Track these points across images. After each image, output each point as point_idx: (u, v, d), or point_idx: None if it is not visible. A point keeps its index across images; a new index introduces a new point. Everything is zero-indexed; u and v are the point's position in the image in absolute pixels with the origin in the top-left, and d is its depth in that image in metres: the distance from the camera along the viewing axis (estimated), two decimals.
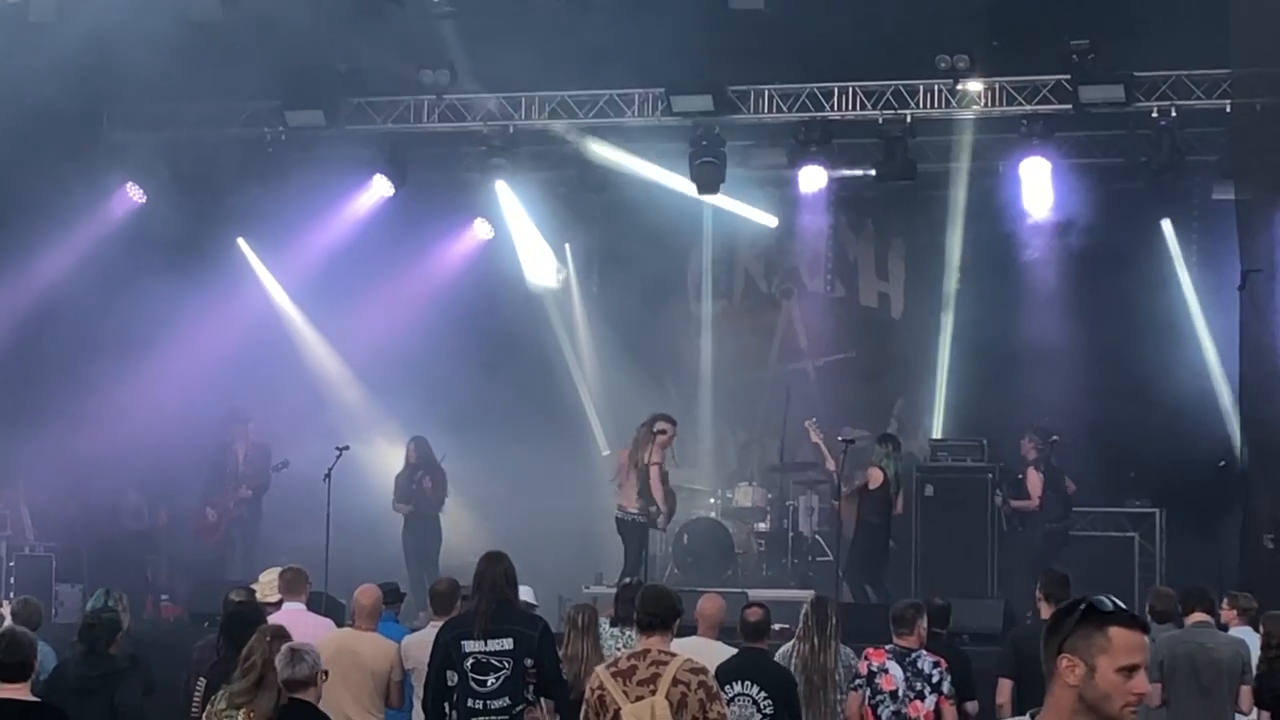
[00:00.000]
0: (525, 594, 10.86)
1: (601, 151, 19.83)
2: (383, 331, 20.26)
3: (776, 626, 11.13)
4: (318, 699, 8.01)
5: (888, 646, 10.45)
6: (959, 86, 18.39)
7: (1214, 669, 11.01)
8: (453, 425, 18.97)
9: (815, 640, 10.76)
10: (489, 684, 9.20)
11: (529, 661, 9.22)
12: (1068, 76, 17.93)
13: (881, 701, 10.33)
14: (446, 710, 9.30)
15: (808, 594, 12.16)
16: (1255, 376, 16.45)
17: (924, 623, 10.52)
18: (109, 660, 10.05)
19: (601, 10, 17.54)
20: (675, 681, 7.82)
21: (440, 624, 10.15)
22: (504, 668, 9.19)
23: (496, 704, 9.20)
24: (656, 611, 8.15)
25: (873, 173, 19.31)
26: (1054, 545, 17.56)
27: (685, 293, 22.28)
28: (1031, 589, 11.65)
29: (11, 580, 17.44)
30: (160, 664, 11.57)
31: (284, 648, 8.02)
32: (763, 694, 9.97)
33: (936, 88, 18.53)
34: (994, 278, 20.07)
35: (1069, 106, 18.17)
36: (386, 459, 19.34)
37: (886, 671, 10.35)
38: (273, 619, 9.73)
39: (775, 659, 10.67)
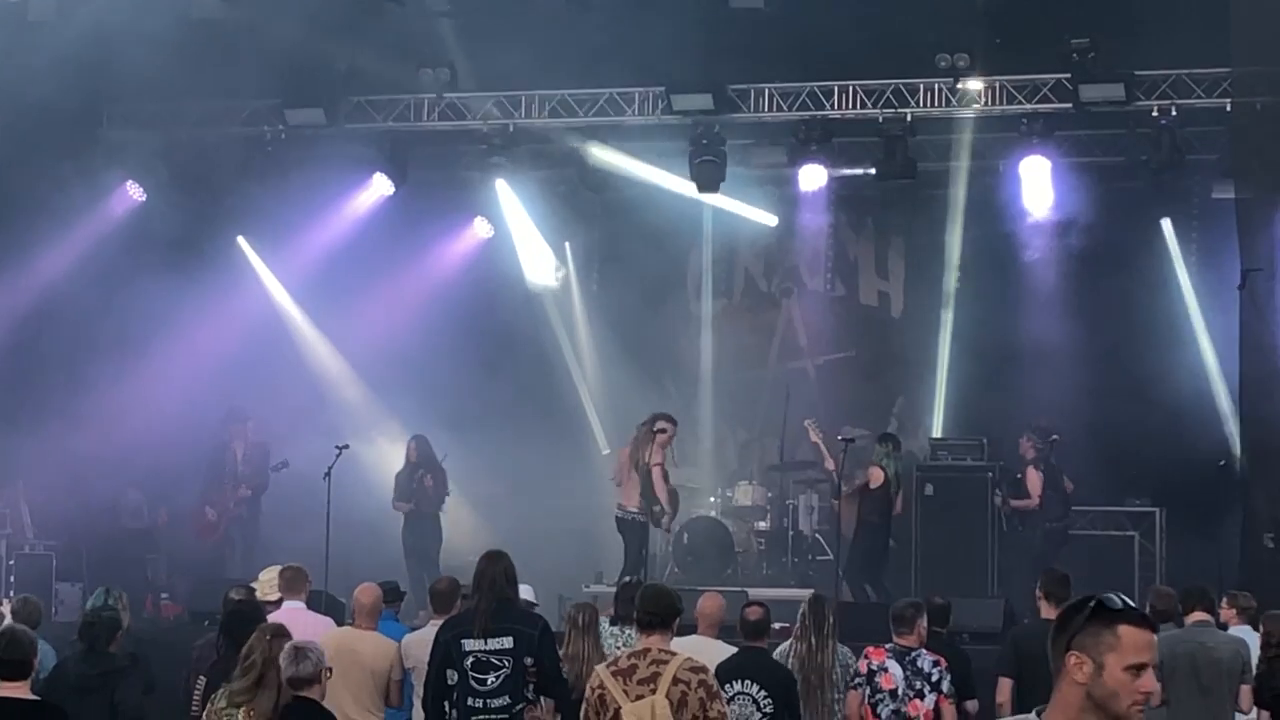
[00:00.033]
0: (525, 592, 10.86)
1: (602, 156, 19.81)
2: (382, 330, 20.26)
3: (776, 625, 11.13)
4: (322, 696, 8.01)
5: (888, 645, 10.45)
6: (959, 85, 18.38)
7: (1214, 668, 11.01)
8: (453, 424, 18.97)
9: (812, 639, 10.76)
10: (489, 683, 9.20)
11: (529, 660, 9.22)
12: (1068, 75, 17.93)
13: (881, 700, 10.33)
14: (446, 709, 9.30)
15: (807, 593, 12.14)
16: (1255, 376, 16.45)
17: (924, 622, 10.52)
18: (109, 659, 10.04)
19: (601, 9, 17.55)
20: (675, 680, 7.83)
21: (440, 622, 10.14)
22: (504, 666, 9.19)
23: (496, 703, 9.19)
24: (656, 610, 8.16)
25: (873, 171, 19.31)
26: (1054, 544, 17.56)
27: (685, 291, 22.28)
28: (1031, 588, 11.64)
29: (11, 579, 17.43)
30: (160, 662, 11.56)
31: (288, 645, 8.03)
32: (762, 693, 9.97)
33: (937, 86, 18.53)
34: (994, 276, 20.07)
35: (1069, 105, 18.17)
36: (386, 457, 19.34)
37: (886, 670, 10.35)
38: (272, 617, 9.72)
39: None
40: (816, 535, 19.26)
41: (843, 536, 17.44)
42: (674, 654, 8.01)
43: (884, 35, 17.80)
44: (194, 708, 9.50)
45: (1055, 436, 18.12)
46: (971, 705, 11.08)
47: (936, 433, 20.11)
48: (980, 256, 20.35)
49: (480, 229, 21.43)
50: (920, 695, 10.29)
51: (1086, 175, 19.11)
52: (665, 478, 16.67)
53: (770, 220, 21.34)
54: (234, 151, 19.75)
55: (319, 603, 12.60)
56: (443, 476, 18.53)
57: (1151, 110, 18.05)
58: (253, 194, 19.77)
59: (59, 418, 18.08)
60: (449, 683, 9.28)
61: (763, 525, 19.50)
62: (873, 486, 17.26)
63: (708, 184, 19.39)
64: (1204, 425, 18.81)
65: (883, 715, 10.31)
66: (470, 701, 9.20)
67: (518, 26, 18.16)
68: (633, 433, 17.01)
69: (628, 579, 14.23)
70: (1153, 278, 19.74)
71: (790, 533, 19.26)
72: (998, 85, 18.42)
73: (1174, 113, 17.97)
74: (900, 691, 10.30)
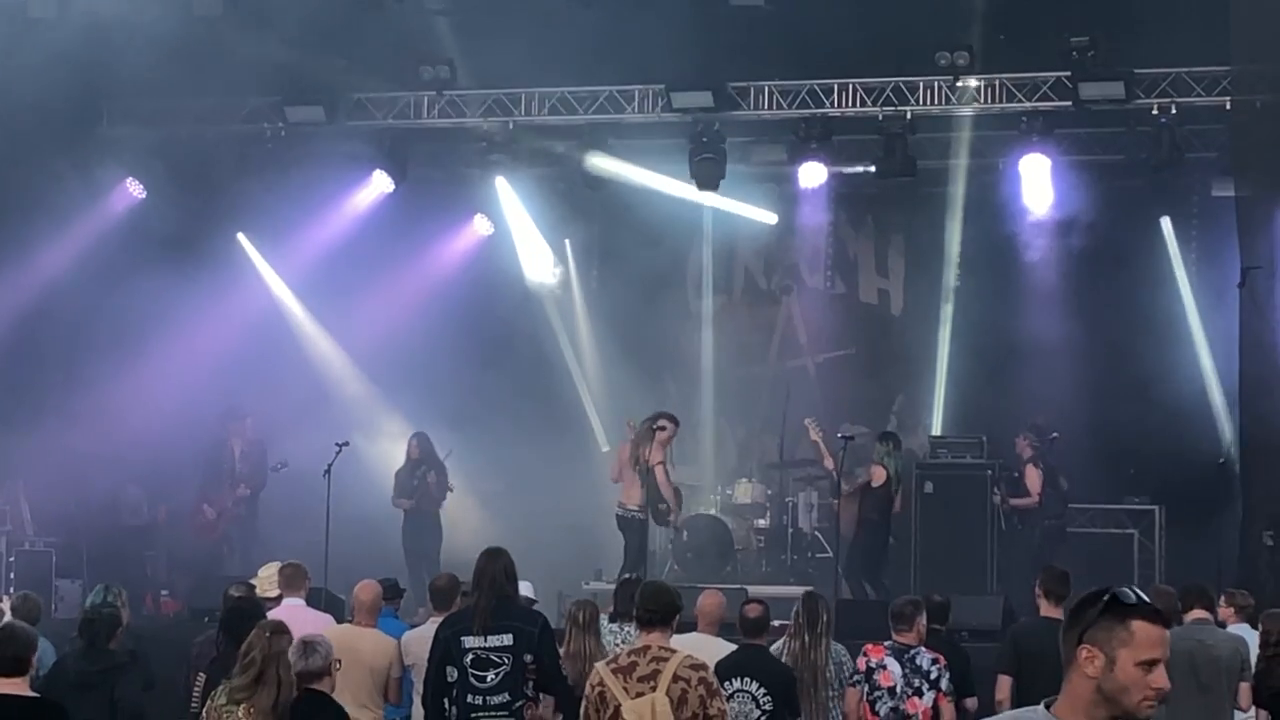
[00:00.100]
0: (525, 589, 10.87)
1: (601, 154, 19.80)
2: (382, 328, 20.26)
3: (776, 623, 11.13)
4: (332, 689, 8.03)
5: (886, 643, 10.46)
6: (959, 83, 18.38)
7: (1213, 666, 11.01)
8: (453, 421, 18.99)
9: (806, 637, 10.76)
10: (489, 680, 9.20)
11: (529, 657, 9.22)
12: (1068, 73, 17.93)
13: (879, 698, 10.34)
14: (446, 706, 9.31)
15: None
16: (1255, 374, 16.44)
17: (923, 619, 10.52)
18: (109, 655, 10.04)
19: (601, 6, 17.55)
20: (675, 678, 7.84)
21: (440, 620, 10.15)
22: (504, 663, 9.19)
23: (496, 700, 9.20)
24: (656, 608, 8.17)
25: (873, 169, 19.33)
26: (1052, 542, 17.58)
27: (685, 289, 22.28)
28: (1031, 586, 11.65)
29: (11, 575, 17.44)
30: (160, 659, 11.58)
31: (297, 640, 8.06)
32: (762, 690, 9.98)
33: (936, 84, 18.53)
34: (994, 274, 20.08)
35: (1069, 103, 18.17)
36: (387, 455, 19.35)
37: (885, 668, 10.36)
38: (272, 614, 9.72)
39: None
40: (816, 533, 19.27)
41: (842, 535, 17.45)
42: (674, 651, 8.02)
43: (884, 33, 17.81)
44: (194, 704, 9.50)
45: (1055, 435, 18.14)
46: (971, 703, 11.08)
47: (936, 431, 20.12)
48: (980, 254, 20.36)
49: (480, 226, 21.43)
50: (919, 693, 10.30)
51: (1086, 173, 19.11)
52: (668, 476, 16.67)
53: (770, 218, 21.35)
54: (234, 149, 19.78)
55: (318, 600, 12.61)
56: (444, 474, 18.54)
57: (1151, 108, 18.05)
58: (252, 191, 19.78)
59: (59, 414, 18.09)
60: (449, 680, 9.28)
61: (762, 523, 19.51)
62: (875, 485, 17.27)
63: (708, 182, 19.39)
64: (1203, 424, 18.84)
65: (881, 713, 10.32)
66: (470, 699, 9.21)
67: (518, 24, 18.16)
68: (631, 429, 17.00)
69: (627, 576, 14.23)
70: (1152, 276, 19.75)
71: (790, 530, 19.27)
72: (997, 83, 18.42)
73: (1174, 111, 17.98)
74: (899, 689, 10.31)
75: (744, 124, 19.51)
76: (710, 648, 9.93)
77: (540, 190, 20.91)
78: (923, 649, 10.42)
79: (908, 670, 10.33)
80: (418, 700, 10.27)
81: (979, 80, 18.38)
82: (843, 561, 17.17)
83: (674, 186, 20.20)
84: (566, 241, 21.92)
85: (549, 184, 20.92)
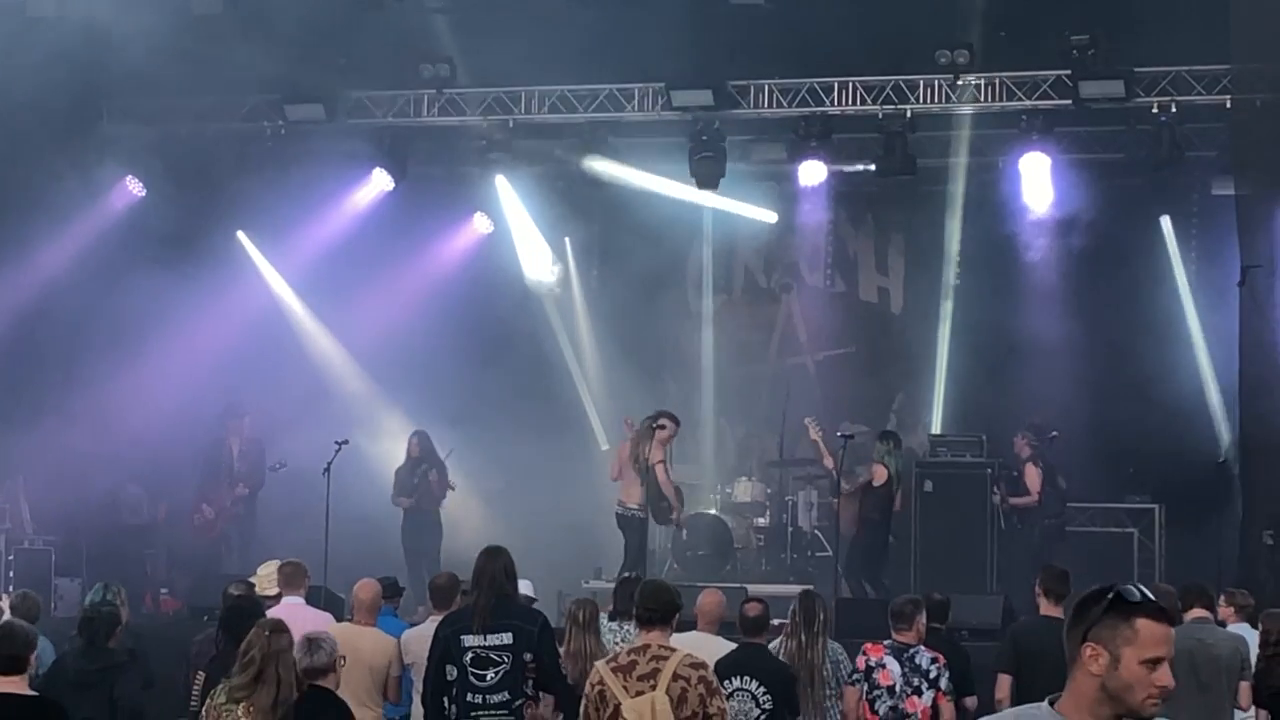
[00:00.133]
0: (525, 587, 10.86)
1: (601, 154, 19.80)
2: (382, 326, 20.26)
3: (775, 621, 11.13)
4: (336, 685, 8.04)
5: (886, 642, 10.45)
6: (959, 81, 18.37)
7: (1213, 665, 11.01)
8: (452, 419, 18.99)
9: (803, 636, 10.75)
10: (488, 678, 9.20)
11: (528, 656, 9.22)
12: (1068, 72, 17.93)
13: (879, 697, 10.33)
14: (445, 705, 9.30)
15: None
16: (1255, 373, 16.44)
17: (923, 618, 10.52)
18: (108, 654, 10.04)
19: (601, 5, 17.55)
20: (675, 676, 7.83)
21: (439, 618, 10.14)
22: (503, 662, 9.19)
23: (496, 698, 9.19)
24: (656, 607, 8.16)
25: (873, 167, 19.33)
26: (1051, 541, 17.58)
27: (685, 287, 22.27)
28: (1030, 584, 11.64)
29: (10, 574, 17.45)
30: (159, 658, 11.58)
31: (301, 637, 8.06)
32: (761, 689, 9.97)
33: (937, 82, 18.52)
34: (994, 273, 20.07)
35: (1069, 102, 18.16)
36: (386, 453, 19.34)
37: (884, 667, 10.35)
38: (271, 613, 9.72)
39: None
40: (816, 531, 19.26)
41: (842, 533, 17.44)
42: (674, 650, 8.01)
43: (884, 31, 17.82)
44: (193, 703, 9.49)
45: (1054, 433, 18.13)
46: (970, 702, 11.08)
47: (936, 429, 20.11)
48: (980, 253, 20.36)
49: (480, 224, 21.42)
50: (918, 692, 10.28)
51: (1086, 172, 19.11)
52: (668, 474, 16.66)
53: (770, 216, 21.34)
54: (233, 147, 19.77)
55: (318, 598, 12.60)
56: (445, 472, 18.54)
57: (1151, 107, 18.04)
58: (252, 189, 19.77)
59: (58, 413, 18.09)
60: (448, 678, 9.28)
61: (762, 521, 19.51)
62: (876, 484, 17.26)
63: (707, 180, 19.39)
64: (1203, 422, 18.84)
65: (880, 712, 10.31)
66: (469, 697, 9.21)
67: (517, 22, 18.16)
68: (630, 427, 16.99)
69: (627, 575, 14.22)
70: (1152, 274, 19.74)
71: (789, 529, 19.26)
72: (998, 81, 18.41)
73: (1174, 109, 17.96)
74: (898, 688, 10.30)
75: (744, 122, 19.50)
76: (710, 646, 9.92)
77: (540, 189, 20.90)
78: (922, 648, 10.41)
79: (907, 669, 10.32)
80: (417, 699, 10.27)
81: (979, 78, 18.37)
82: (843, 560, 17.17)
83: (674, 185, 20.20)
84: (566, 240, 21.91)
85: (548, 182, 20.91)
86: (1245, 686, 11.04)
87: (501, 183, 20.52)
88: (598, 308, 21.92)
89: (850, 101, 18.81)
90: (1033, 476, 17.88)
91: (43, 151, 18.43)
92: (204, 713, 8.39)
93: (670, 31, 17.10)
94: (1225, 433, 18.60)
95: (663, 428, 16.63)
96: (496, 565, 9.34)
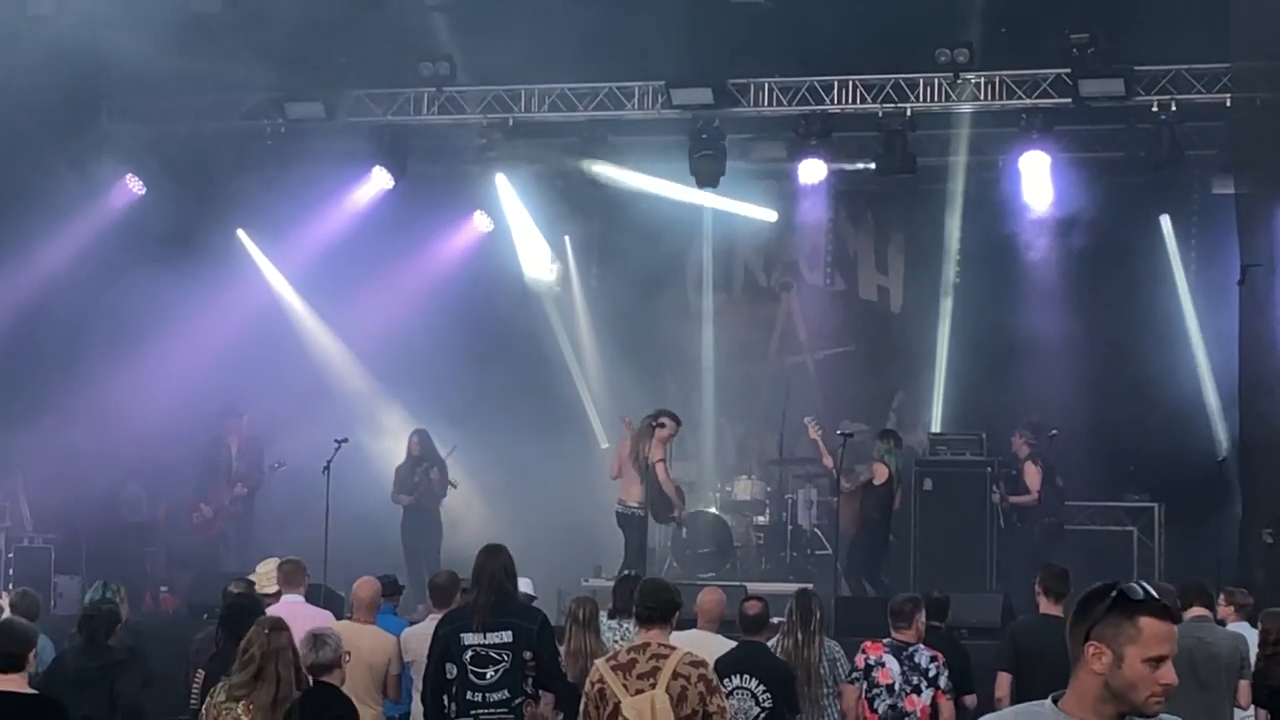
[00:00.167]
0: (524, 585, 10.87)
1: (600, 160, 19.80)
2: (381, 325, 20.26)
3: (775, 620, 11.13)
4: (341, 681, 8.04)
5: (885, 640, 10.45)
6: (959, 80, 18.37)
7: (1212, 664, 11.01)
8: (452, 418, 18.98)
9: (799, 635, 10.75)
10: (488, 677, 9.20)
11: (528, 654, 9.22)
12: (1067, 70, 17.92)
13: (878, 695, 10.33)
14: (445, 703, 9.31)
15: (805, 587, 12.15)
16: (1255, 372, 16.43)
17: (922, 617, 10.51)
18: (108, 652, 10.05)
19: (601, 3, 17.54)
20: (675, 675, 7.83)
21: (439, 616, 10.14)
22: (503, 660, 9.19)
23: (495, 696, 9.20)
24: (656, 605, 8.16)
25: (872, 166, 19.32)
26: (1050, 539, 17.58)
27: (684, 286, 22.28)
28: (1030, 583, 11.64)
29: (10, 572, 17.44)
30: (159, 656, 11.58)
31: (306, 633, 8.07)
32: (761, 687, 9.97)
33: (936, 81, 18.52)
34: (993, 271, 20.07)
35: (1069, 100, 18.16)
36: (386, 451, 19.34)
37: (883, 665, 10.34)
38: (271, 611, 9.72)
39: None
40: (815, 530, 19.26)
41: (842, 532, 17.44)
42: (673, 648, 8.01)
43: (884, 30, 17.81)
44: (193, 701, 9.49)
45: (1054, 432, 18.13)
46: (970, 700, 11.07)
47: (935, 428, 20.11)
48: (979, 251, 20.36)
49: (479, 223, 21.43)
50: (917, 691, 10.28)
51: (1086, 170, 19.12)
52: (667, 473, 16.66)
53: (770, 215, 21.34)
54: (233, 145, 19.79)
55: (317, 596, 12.61)
56: (445, 471, 18.55)
57: (1151, 105, 18.04)
58: (252, 187, 19.79)
59: (58, 411, 18.07)
60: (448, 676, 9.28)
61: (762, 520, 19.51)
62: (877, 483, 17.26)
63: (707, 179, 19.39)
64: (1203, 421, 18.84)
65: (879, 710, 10.31)
66: (469, 695, 9.21)
67: (517, 21, 18.15)
68: (628, 426, 16.99)
69: (627, 573, 14.22)
70: (1152, 273, 19.75)
71: (789, 527, 19.26)
72: (997, 80, 18.41)
73: (1173, 108, 17.96)
74: (897, 687, 10.30)
75: (744, 121, 19.50)
76: (710, 645, 9.92)
77: (539, 187, 20.90)
78: (921, 646, 10.41)
79: (906, 668, 10.32)
80: (417, 697, 10.26)
81: (979, 77, 18.37)
82: (843, 559, 17.17)
83: (674, 184, 20.20)
84: (566, 238, 21.92)
85: (548, 181, 20.91)
86: (1244, 685, 11.03)
87: (501, 181, 20.52)
88: (597, 306, 21.92)
89: (850, 100, 18.81)
90: (1032, 475, 17.88)
91: (42, 150, 18.43)
92: (204, 711, 8.39)
93: (670, 30, 17.10)
94: (1224, 432, 18.59)
95: (662, 426, 16.62)
96: (496, 563, 9.34)
